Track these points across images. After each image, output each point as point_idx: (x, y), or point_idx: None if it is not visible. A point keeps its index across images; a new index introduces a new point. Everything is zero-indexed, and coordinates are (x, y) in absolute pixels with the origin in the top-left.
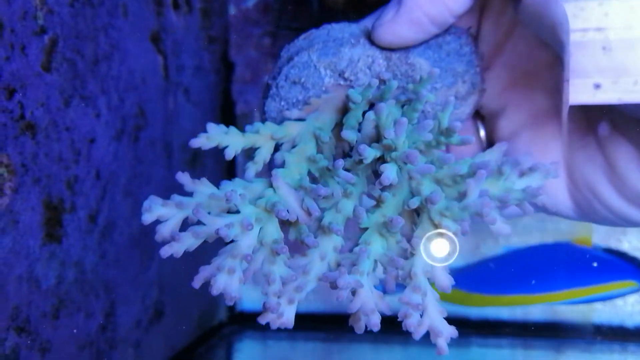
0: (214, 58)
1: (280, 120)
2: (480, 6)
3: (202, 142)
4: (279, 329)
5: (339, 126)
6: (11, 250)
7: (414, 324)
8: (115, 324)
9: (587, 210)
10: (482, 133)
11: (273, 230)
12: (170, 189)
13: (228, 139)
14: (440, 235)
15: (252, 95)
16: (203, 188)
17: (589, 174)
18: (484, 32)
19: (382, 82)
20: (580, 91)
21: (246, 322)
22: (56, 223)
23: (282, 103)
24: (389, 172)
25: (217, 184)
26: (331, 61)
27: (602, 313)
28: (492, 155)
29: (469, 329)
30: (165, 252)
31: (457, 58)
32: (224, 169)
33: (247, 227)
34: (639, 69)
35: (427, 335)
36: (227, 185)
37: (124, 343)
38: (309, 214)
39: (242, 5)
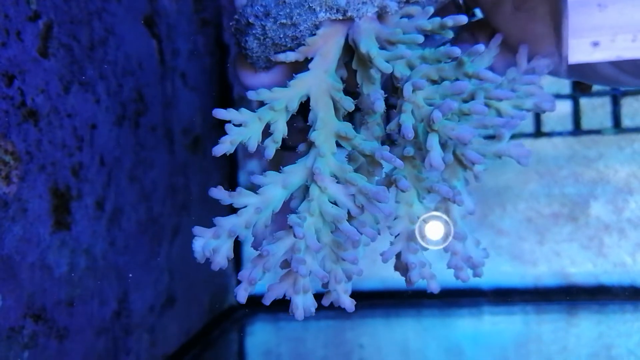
0: (208, 41)
1: (266, 59)
2: None
3: (226, 147)
4: (288, 311)
5: (349, 69)
6: (22, 239)
7: (464, 277)
8: (129, 310)
9: (580, 70)
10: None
11: (328, 231)
12: (173, 174)
13: (248, 131)
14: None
15: None
16: (243, 199)
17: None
18: None
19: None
20: (579, 50)
21: (256, 305)
22: (64, 210)
23: (269, 43)
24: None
25: (219, 168)
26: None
27: (613, 274)
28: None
29: (481, 297)
30: (242, 297)
31: None
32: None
33: (316, 249)
34: (636, 24)
35: (440, 306)
36: (268, 189)
37: (139, 328)
38: (362, 209)
39: None
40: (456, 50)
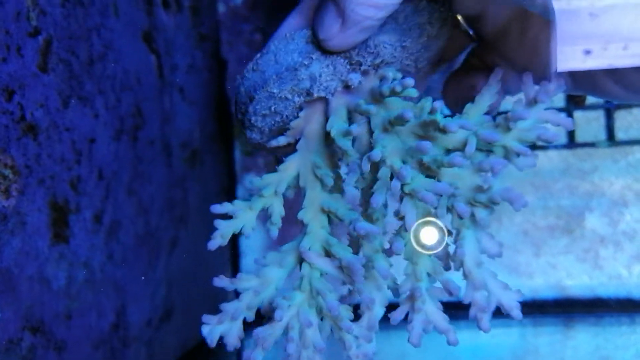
0: (206, 56)
1: (265, 141)
2: None
3: (219, 242)
4: None
5: (329, 138)
6: (21, 251)
7: (484, 327)
8: (127, 323)
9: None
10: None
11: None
12: (171, 187)
13: (239, 222)
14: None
15: None
16: (244, 284)
17: None
18: None
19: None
20: (570, 58)
21: (254, 318)
22: (63, 223)
23: (260, 134)
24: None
25: (217, 181)
26: (293, 87)
27: (609, 287)
28: (490, 93)
29: None
30: None
31: (417, 13)
32: (223, 166)
33: (308, 326)
34: (627, 33)
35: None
36: (268, 270)
37: (137, 341)
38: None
39: (231, 2)
40: (424, 146)
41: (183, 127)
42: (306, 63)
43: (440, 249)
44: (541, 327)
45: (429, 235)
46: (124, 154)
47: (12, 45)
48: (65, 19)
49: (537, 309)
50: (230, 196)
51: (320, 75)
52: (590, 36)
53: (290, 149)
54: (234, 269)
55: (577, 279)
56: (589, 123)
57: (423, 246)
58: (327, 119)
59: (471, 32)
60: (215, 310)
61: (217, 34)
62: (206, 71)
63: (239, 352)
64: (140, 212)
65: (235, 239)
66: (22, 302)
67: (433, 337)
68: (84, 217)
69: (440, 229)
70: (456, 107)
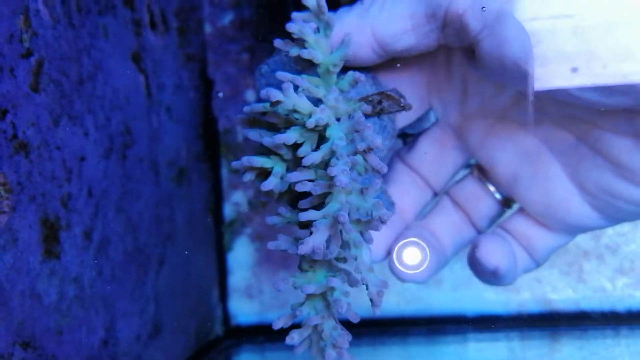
0: (193, 76)
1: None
2: (426, 81)
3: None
4: (274, 341)
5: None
6: (12, 267)
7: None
8: (117, 339)
9: (614, 213)
10: (493, 189)
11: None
12: (159, 205)
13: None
14: None
15: (233, 111)
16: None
17: (599, 179)
18: (442, 102)
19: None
20: (557, 76)
21: (242, 335)
22: (53, 240)
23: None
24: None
25: (204, 199)
26: None
27: (593, 300)
28: None
29: (465, 325)
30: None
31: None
32: (209, 183)
33: None
34: (606, 52)
35: (426, 334)
36: None
37: (126, 357)
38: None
39: (218, 23)
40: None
41: (170, 145)
42: None
43: (422, 268)
44: (528, 341)
45: (411, 255)
46: (113, 172)
47: (5, 67)
48: (56, 40)
49: (524, 322)
50: (217, 214)
51: None
52: (573, 55)
53: None
54: (222, 287)
55: (561, 293)
56: None
57: (405, 266)
58: None
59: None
60: (203, 327)
61: (203, 54)
62: (193, 91)
63: None
64: (129, 229)
65: (222, 256)
66: (14, 317)
67: (421, 353)
68: (74, 234)
69: (423, 249)
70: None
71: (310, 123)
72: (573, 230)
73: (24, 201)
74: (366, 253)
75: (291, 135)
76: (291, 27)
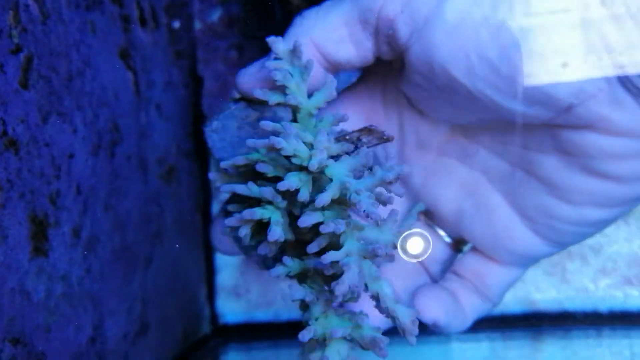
0: (182, 73)
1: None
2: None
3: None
4: (261, 340)
5: None
6: (2, 264)
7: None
8: (104, 337)
9: (555, 236)
10: (442, 233)
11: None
12: (147, 203)
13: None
14: None
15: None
16: None
17: (536, 202)
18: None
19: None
20: (547, 72)
21: (229, 334)
22: (42, 237)
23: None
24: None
25: (193, 197)
26: None
27: (576, 300)
28: None
29: None
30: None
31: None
32: (198, 181)
33: None
34: (602, 46)
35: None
36: None
37: (113, 355)
38: None
39: (207, 19)
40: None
41: (159, 143)
42: None
43: (425, 256)
44: (511, 341)
45: (416, 244)
46: (101, 170)
47: None
48: (46, 36)
49: (507, 323)
50: (206, 212)
51: None
52: (567, 49)
53: None
54: (210, 286)
55: (545, 293)
56: None
57: (410, 255)
58: None
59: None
60: (190, 326)
61: (193, 50)
62: (182, 88)
63: None
64: (117, 227)
65: (210, 255)
66: (4, 314)
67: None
68: (63, 231)
69: (426, 239)
70: None
71: (313, 165)
72: (521, 260)
73: (14, 198)
74: (387, 285)
75: (292, 181)
76: (276, 76)
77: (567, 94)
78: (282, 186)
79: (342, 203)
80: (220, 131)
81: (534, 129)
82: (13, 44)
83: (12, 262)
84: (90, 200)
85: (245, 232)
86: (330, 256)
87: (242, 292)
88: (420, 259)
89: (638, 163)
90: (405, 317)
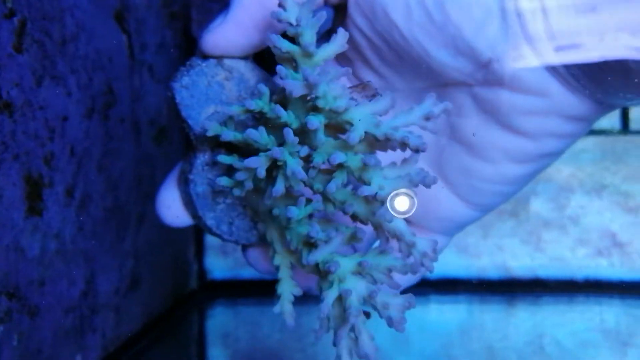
0: (176, 35)
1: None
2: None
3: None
4: (247, 296)
5: None
6: None
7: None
8: (96, 291)
9: (476, 197)
10: None
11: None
12: (140, 164)
13: None
14: None
15: None
16: None
17: (457, 164)
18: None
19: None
20: (543, 54)
21: (216, 289)
22: (37, 197)
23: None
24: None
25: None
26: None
27: (549, 268)
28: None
29: (428, 287)
30: None
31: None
32: (189, 142)
33: None
34: (602, 28)
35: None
36: None
37: (105, 308)
38: None
39: None
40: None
41: (152, 104)
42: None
43: (411, 213)
44: (487, 305)
45: (401, 202)
46: (95, 132)
47: None
48: (39, 0)
49: (484, 287)
50: None
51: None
52: (562, 32)
53: None
54: (198, 244)
55: (520, 260)
56: None
57: (397, 212)
58: None
59: None
60: (179, 281)
61: (187, 12)
62: (176, 49)
63: (200, 321)
64: (110, 187)
65: None
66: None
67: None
68: (57, 192)
69: (411, 198)
70: None
71: (340, 107)
72: (449, 227)
73: (8, 159)
74: (400, 221)
75: (314, 121)
76: (291, 21)
77: (486, 47)
78: (312, 125)
79: (369, 144)
80: (190, 87)
81: (455, 94)
82: (7, 8)
83: (6, 221)
84: (84, 162)
85: (248, 183)
86: (365, 190)
87: (229, 251)
88: (407, 216)
89: (544, 120)
90: (427, 247)
